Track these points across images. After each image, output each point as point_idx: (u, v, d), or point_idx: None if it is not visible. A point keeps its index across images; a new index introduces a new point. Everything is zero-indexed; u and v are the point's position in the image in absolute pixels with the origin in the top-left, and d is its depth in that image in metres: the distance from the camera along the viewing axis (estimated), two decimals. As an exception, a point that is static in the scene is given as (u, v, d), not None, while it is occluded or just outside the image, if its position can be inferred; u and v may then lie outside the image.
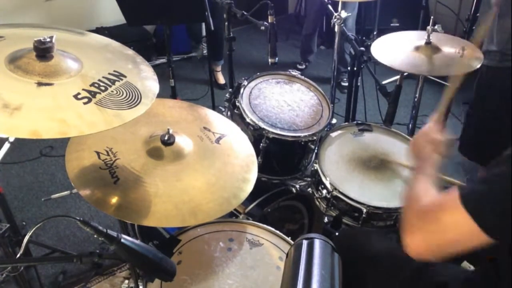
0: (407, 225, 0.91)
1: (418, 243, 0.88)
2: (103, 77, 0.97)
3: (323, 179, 1.64)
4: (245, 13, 1.97)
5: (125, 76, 1.01)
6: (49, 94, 0.88)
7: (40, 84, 0.89)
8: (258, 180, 1.29)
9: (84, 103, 0.89)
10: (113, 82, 0.97)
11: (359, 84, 2.14)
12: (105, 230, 0.90)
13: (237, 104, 1.75)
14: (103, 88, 0.94)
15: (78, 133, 0.84)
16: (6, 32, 1.02)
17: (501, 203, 0.79)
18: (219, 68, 3.74)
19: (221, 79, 3.76)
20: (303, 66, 3.98)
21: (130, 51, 1.13)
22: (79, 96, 0.90)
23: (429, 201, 0.93)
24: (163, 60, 3.91)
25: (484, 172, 0.87)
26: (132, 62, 1.09)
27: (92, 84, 0.94)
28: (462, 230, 0.82)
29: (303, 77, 1.97)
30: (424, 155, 1.15)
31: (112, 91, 0.94)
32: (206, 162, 1.27)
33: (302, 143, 1.75)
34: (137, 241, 0.94)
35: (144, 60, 1.12)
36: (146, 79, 1.04)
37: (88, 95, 0.91)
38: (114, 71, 1.01)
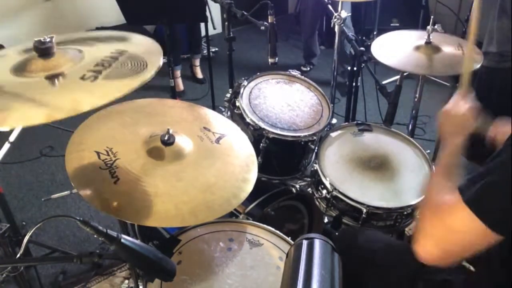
0: (420, 229, 0.90)
1: (428, 248, 0.87)
2: (105, 56, 0.99)
3: (323, 179, 1.64)
4: (245, 13, 1.97)
5: (126, 51, 1.02)
6: (59, 82, 0.92)
7: (48, 77, 0.91)
8: (258, 180, 1.29)
9: (92, 81, 0.91)
10: (116, 58, 0.99)
11: (359, 84, 2.14)
12: (105, 230, 0.90)
13: (237, 104, 1.75)
14: (107, 65, 0.96)
15: (91, 106, 0.86)
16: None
17: (502, 194, 0.77)
18: (197, 63, 3.86)
19: (200, 74, 3.90)
20: (307, 69, 3.99)
21: (121, 33, 1.16)
22: (86, 77, 0.92)
23: (437, 203, 0.91)
24: (163, 60, 3.91)
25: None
26: (129, 38, 1.12)
27: (96, 65, 0.96)
28: (468, 229, 0.80)
29: (303, 77, 1.97)
30: (454, 129, 1.13)
31: (116, 66, 0.96)
32: (206, 162, 1.27)
33: (302, 143, 1.75)
34: (137, 241, 0.94)
35: (136, 33, 1.14)
36: (146, 46, 1.07)
37: (94, 74, 0.93)
38: (115, 50, 1.03)
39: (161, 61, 1.01)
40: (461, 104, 1.19)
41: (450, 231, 0.84)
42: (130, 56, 1.01)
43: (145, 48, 1.07)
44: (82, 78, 0.91)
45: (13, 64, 0.97)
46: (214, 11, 3.26)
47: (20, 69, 0.94)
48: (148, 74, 0.95)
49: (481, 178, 0.83)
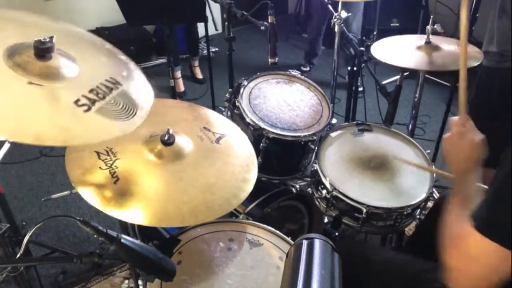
0: (444, 262, 0.89)
1: (461, 282, 0.86)
2: (101, 83, 0.95)
3: (323, 179, 1.64)
4: (245, 13, 1.97)
5: (121, 84, 0.99)
6: (44, 96, 0.86)
7: (31, 83, 0.86)
8: (258, 180, 1.29)
9: (85, 111, 0.87)
10: (111, 90, 0.95)
11: (359, 84, 2.14)
12: (105, 230, 0.90)
13: (237, 104, 1.75)
14: (101, 96, 0.92)
15: (82, 142, 0.84)
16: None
17: (506, 207, 0.76)
18: (196, 63, 3.88)
19: (199, 74, 3.92)
20: (307, 68, 4.00)
21: (123, 56, 1.11)
22: (79, 103, 0.88)
23: (454, 233, 0.89)
24: (163, 60, 3.92)
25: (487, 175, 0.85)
26: (126, 69, 1.07)
27: (91, 91, 0.92)
28: (489, 254, 0.79)
29: (303, 77, 1.97)
30: (463, 161, 1.05)
31: (110, 100, 0.93)
32: (206, 162, 1.27)
33: (302, 143, 1.75)
34: (137, 241, 0.94)
35: (137, 67, 1.09)
36: (140, 89, 1.03)
37: (88, 102, 0.89)
38: (111, 77, 0.99)
39: (148, 109, 0.97)
40: (464, 129, 1.10)
41: (469, 259, 0.83)
42: (123, 93, 0.97)
43: (138, 90, 1.02)
44: (76, 103, 0.87)
45: (10, 45, 0.91)
46: (214, 11, 3.26)
47: (14, 60, 0.88)
48: (134, 124, 0.91)
49: (486, 200, 0.82)
